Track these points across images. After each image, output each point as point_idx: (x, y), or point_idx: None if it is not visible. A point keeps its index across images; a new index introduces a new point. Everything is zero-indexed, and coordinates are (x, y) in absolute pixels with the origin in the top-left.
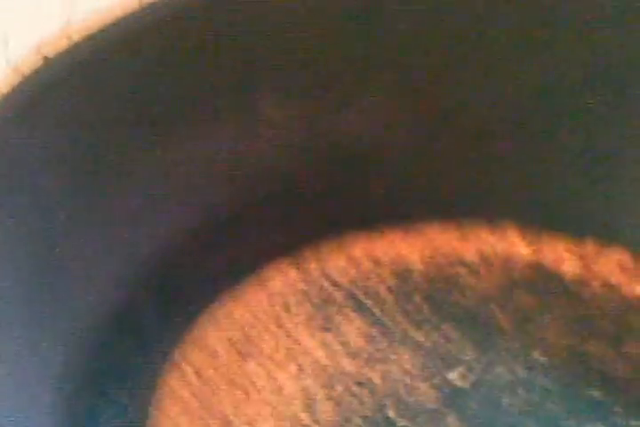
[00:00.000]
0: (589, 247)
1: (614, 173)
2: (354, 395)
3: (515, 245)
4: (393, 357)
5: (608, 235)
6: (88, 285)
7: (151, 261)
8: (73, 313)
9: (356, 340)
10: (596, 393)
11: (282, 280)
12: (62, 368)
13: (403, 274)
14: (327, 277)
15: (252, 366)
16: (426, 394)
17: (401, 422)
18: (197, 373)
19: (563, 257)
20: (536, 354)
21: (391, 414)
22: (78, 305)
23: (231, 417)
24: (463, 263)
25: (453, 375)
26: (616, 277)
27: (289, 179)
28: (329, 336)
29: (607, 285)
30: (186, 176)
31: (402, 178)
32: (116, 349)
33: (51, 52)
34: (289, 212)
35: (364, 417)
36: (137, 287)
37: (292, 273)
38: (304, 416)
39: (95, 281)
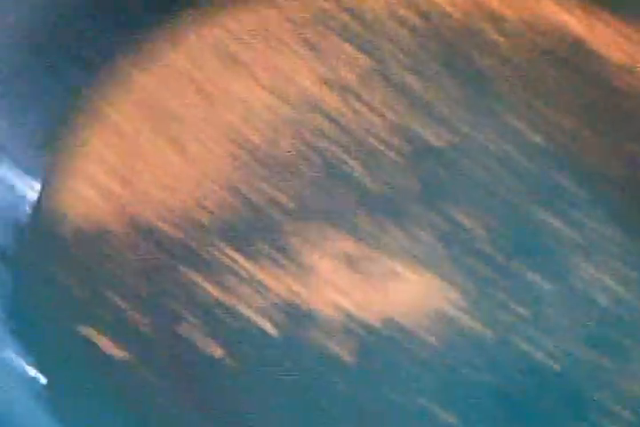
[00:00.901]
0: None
1: None
2: (324, 136)
3: (566, 18)
4: (387, 107)
5: None
6: None
7: None
8: None
9: (353, 82)
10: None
11: (305, 8)
12: None
13: (433, 24)
14: (356, 12)
15: (235, 83)
16: (397, 152)
17: (359, 173)
18: (174, 80)
19: (613, 40)
20: (529, 133)
21: (351, 163)
22: None
23: (187, 134)
24: (500, 20)
25: (435, 139)
26: None
27: None
28: (328, 72)
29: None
30: None
31: None
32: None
33: None
34: None
35: (323, 159)
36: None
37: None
38: (263, 147)
39: None
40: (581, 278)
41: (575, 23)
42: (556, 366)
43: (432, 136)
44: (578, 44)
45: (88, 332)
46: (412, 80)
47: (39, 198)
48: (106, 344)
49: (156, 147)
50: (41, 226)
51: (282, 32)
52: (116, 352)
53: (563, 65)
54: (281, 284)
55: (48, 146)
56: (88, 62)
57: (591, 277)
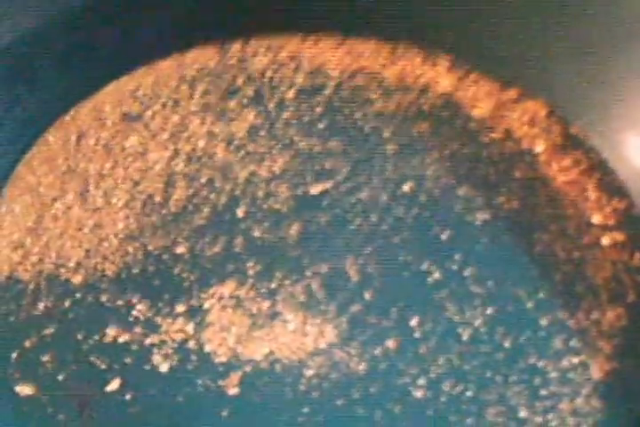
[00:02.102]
0: (510, 95)
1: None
2: (213, 187)
3: (438, 79)
4: (267, 160)
5: (531, 88)
6: None
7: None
8: None
9: (242, 136)
10: (445, 236)
11: (199, 67)
12: None
13: (317, 84)
14: (244, 71)
15: (132, 140)
16: (282, 202)
17: (246, 222)
18: (79, 138)
19: (478, 100)
20: (407, 187)
21: (240, 213)
22: None
23: (91, 186)
24: (381, 86)
25: (317, 189)
26: (522, 130)
27: None
28: (218, 127)
29: (509, 135)
30: None
31: None
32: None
33: None
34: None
35: (214, 209)
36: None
37: (212, 62)
38: (158, 198)
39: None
40: (446, 316)
41: (443, 81)
42: (422, 395)
43: (308, 186)
44: (445, 100)
45: None
46: (294, 134)
47: None
48: (15, 382)
49: (62, 201)
50: None
51: (176, 91)
52: (24, 389)
53: (431, 119)
54: (173, 324)
55: None
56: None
57: (454, 314)
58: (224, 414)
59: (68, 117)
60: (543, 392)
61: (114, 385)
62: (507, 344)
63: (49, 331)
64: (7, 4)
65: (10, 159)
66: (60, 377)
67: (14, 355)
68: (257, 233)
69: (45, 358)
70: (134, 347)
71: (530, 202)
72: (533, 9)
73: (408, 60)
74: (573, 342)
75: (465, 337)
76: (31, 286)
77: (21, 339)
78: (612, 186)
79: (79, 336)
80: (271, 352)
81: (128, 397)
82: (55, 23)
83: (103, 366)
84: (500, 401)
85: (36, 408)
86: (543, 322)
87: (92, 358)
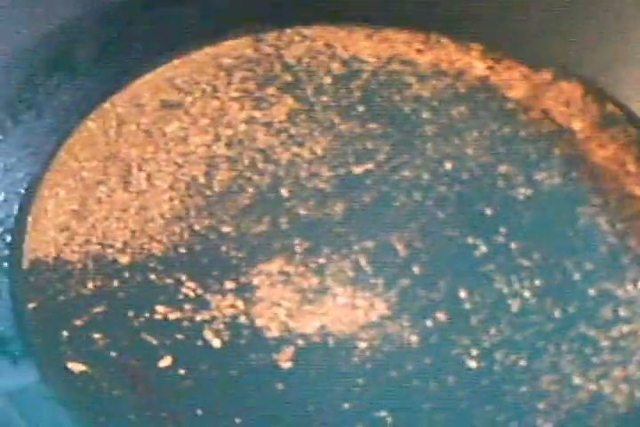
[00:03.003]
0: (544, 77)
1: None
2: (256, 169)
3: (472, 64)
4: (309, 142)
5: (564, 70)
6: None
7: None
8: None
9: (282, 120)
10: (489, 211)
11: (235, 56)
12: None
13: (353, 70)
14: (280, 59)
15: (173, 127)
16: (326, 181)
17: (290, 201)
18: (119, 124)
19: (514, 81)
20: (448, 165)
21: (284, 193)
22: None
23: (134, 169)
24: (416, 73)
25: (359, 169)
26: (558, 110)
27: None
28: (257, 113)
29: (547, 114)
30: None
31: None
32: (46, 86)
33: None
34: None
35: (257, 189)
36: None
37: (248, 51)
38: (201, 180)
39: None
40: (494, 288)
41: (478, 65)
42: (476, 365)
43: (351, 166)
44: (481, 83)
45: None
46: (333, 117)
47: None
48: (68, 359)
49: (106, 185)
50: (10, 259)
51: (214, 78)
52: (76, 366)
53: (467, 101)
54: (223, 300)
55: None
56: (45, 111)
57: (503, 286)
58: (278, 387)
59: (107, 105)
60: (595, 360)
61: (166, 361)
62: (556, 314)
63: (99, 309)
64: None
65: (52, 145)
66: (113, 354)
67: (65, 333)
68: (302, 211)
69: (97, 336)
70: (185, 324)
71: (570, 177)
72: None
73: (441, 47)
74: (622, 311)
75: (514, 308)
76: (79, 267)
77: (72, 318)
78: None
79: (129, 314)
80: (323, 326)
81: (181, 372)
82: (94, 13)
83: (155, 343)
84: (553, 370)
85: (90, 384)
86: (591, 292)
87: (143, 336)
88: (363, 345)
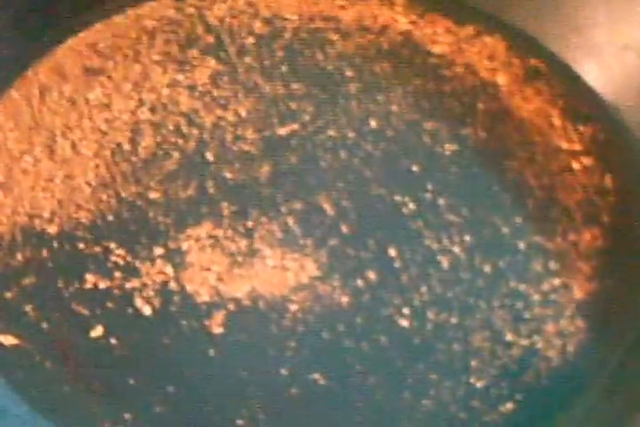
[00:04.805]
0: (467, 32)
1: None
2: (181, 133)
3: (395, 19)
4: (232, 105)
5: (489, 24)
6: None
7: None
8: None
9: (205, 83)
10: (415, 168)
11: (157, 18)
12: None
13: (276, 29)
14: (203, 20)
15: (95, 93)
16: (251, 144)
17: (216, 165)
18: (42, 93)
19: (438, 36)
20: (373, 123)
21: (209, 157)
22: None
23: (58, 138)
24: (339, 29)
25: (284, 130)
26: (482, 64)
27: None
28: (180, 77)
29: (470, 69)
30: None
31: None
32: None
33: None
34: None
35: (183, 154)
36: None
37: (170, 12)
38: (126, 147)
39: None
40: (424, 245)
41: (401, 20)
42: (408, 324)
43: (276, 128)
44: (404, 39)
45: None
46: (257, 79)
47: None
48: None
49: (31, 155)
50: None
51: (136, 42)
52: (7, 339)
53: (391, 58)
54: (153, 267)
55: None
56: None
57: (432, 243)
58: (211, 353)
59: (30, 73)
60: (527, 315)
61: (98, 331)
62: (487, 270)
63: (29, 281)
64: None
65: None
66: (44, 325)
67: None
68: (228, 175)
69: (27, 308)
70: (115, 292)
71: (496, 132)
72: None
73: (364, 2)
74: (552, 265)
75: (445, 265)
76: (7, 238)
77: (1, 290)
78: (576, 113)
79: (59, 284)
80: (253, 289)
81: (113, 342)
82: None
83: (86, 313)
84: (485, 326)
85: (22, 357)
86: (521, 246)
87: (73, 306)
88: (294, 307)
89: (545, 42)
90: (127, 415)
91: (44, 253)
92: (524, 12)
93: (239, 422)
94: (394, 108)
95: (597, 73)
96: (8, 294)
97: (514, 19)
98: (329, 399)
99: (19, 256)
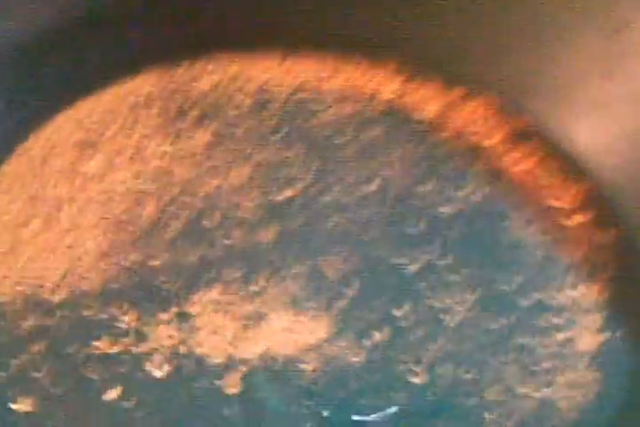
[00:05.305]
0: (455, 95)
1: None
2: (181, 203)
3: (382, 86)
4: (228, 173)
5: (477, 86)
6: None
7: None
8: None
9: (201, 153)
10: (414, 230)
11: (146, 93)
12: None
13: (263, 101)
14: (188, 94)
15: (90, 166)
16: (249, 210)
17: (218, 232)
18: (37, 166)
19: (425, 102)
20: (372, 187)
21: (208, 224)
22: None
23: (57, 209)
24: (323, 100)
25: (282, 197)
26: (471, 128)
27: None
28: (175, 146)
29: (459, 134)
30: None
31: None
32: None
33: None
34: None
35: (185, 222)
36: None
37: (157, 88)
38: (125, 217)
39: None
40: (428, 305)
41: (387, 88)
42: (421, 381)
43: (275, 194)
44: (391, 107)
45: None
46: (251, 147)
47: None
48: (11, 400)
49: (31, 227)
50: None
51: (128, 117)
52: (21, 407)
53: (380, 124)
54: (162, 331)
55: None
56: None
57: (435, 302)
58: (226, 413)
59: (22, 149)
60: (536, 368)
61: (111, 394)
62: (492, 326)
63: (37, 348)
64: None
65: None
66: (58, 391)
67: (3, 374)
68: (229, 241)
69: (38, 375)
70: (126, 357)
71: (491, 193)
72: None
73: (352, 69)
74: (557, 320)
75: (450, 323)
76: (11, 308)
77: (10, 358)
78: (570, 171)
79: (69, 351)
80: (265, 351)
81: (127, 404)
82: (2, 57)
83: (98, 377)
84: (498, 381)
85: (35, 424)
86: (524, 303)
87: (85, 371)
88: (307, 368)
89: (532, 102)
90: None
91: (50, 321)
92: (510, 74)
93: None
94: (389, 172)
95: (585, 132)
96: (17, 362)
97: (501, 80)
98: None
99: (24, 325)
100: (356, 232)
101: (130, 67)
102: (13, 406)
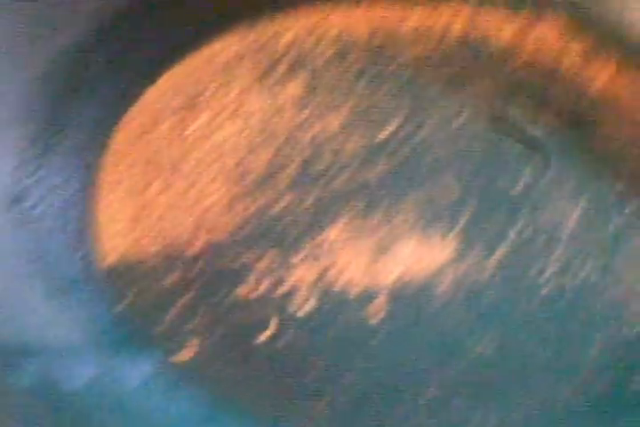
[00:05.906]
0: (524, 19)
1: None
2: (286, 152)
3: (453, 19)
4: (329, 118)
5: (544, 6)
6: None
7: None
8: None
9: (296, 103)
10: (514, 152)
11: (233, 50)
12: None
13: (347, 45)
14: (275, 46)
15: (197, 124)
16: (354, 153)
17: (327, 174)
18: (144, 132)
19: (497, 28)
20: (461, 120)
21: (317, 169)
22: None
23: (174, 169)
24: (399, 43)
25: (381, 136)
26: (546, 50)
27: None
28: (272, 99)
29: (535, 57)
30: None
31: None
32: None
33: None
34: None
35: (294, 170)
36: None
37: (242, 45)
38: (241, 167)
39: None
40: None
41: (457, 24)
42: (547, 291)
43: (372, 136)
44: (464, 41)
45: None
46: (338, 95)
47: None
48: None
49: (152, 190)
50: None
51: (220, 76)
52: (180, 358)
53: (456, 60)
54: (298, 271)
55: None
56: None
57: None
58: (373, 343)
59: (128, 116)
60: None
61: (262, 338)
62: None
63: (184, 301)
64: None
65: (91, 159)
66: (212, 340)
67: (159, 329)
68: (343, 182)
69: (191, 326)
70: (269, 299)
71: (575, 110)
72: None
73: (419, 10)
74: None
75: (572, 224)
76: (152, 266)
77: (161, 313)
78: None
79: (214, 300)
80: (399, 277)
81: (280, 345)
82: (92, 36)
83: (247, 323)
84: (619, 282)
85: (196, 375)
86: (628, 210)
87: (234, 318)
88: (440, 289)
89: (597, 17)
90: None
91: (190, 274)
92: None
93: (420, 401)
94: (474, 104)
95: None
96: (168, 316)
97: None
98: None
99: (168, 281)
100: (457, 163)
101: (214, 29)
102: (173, 359)
